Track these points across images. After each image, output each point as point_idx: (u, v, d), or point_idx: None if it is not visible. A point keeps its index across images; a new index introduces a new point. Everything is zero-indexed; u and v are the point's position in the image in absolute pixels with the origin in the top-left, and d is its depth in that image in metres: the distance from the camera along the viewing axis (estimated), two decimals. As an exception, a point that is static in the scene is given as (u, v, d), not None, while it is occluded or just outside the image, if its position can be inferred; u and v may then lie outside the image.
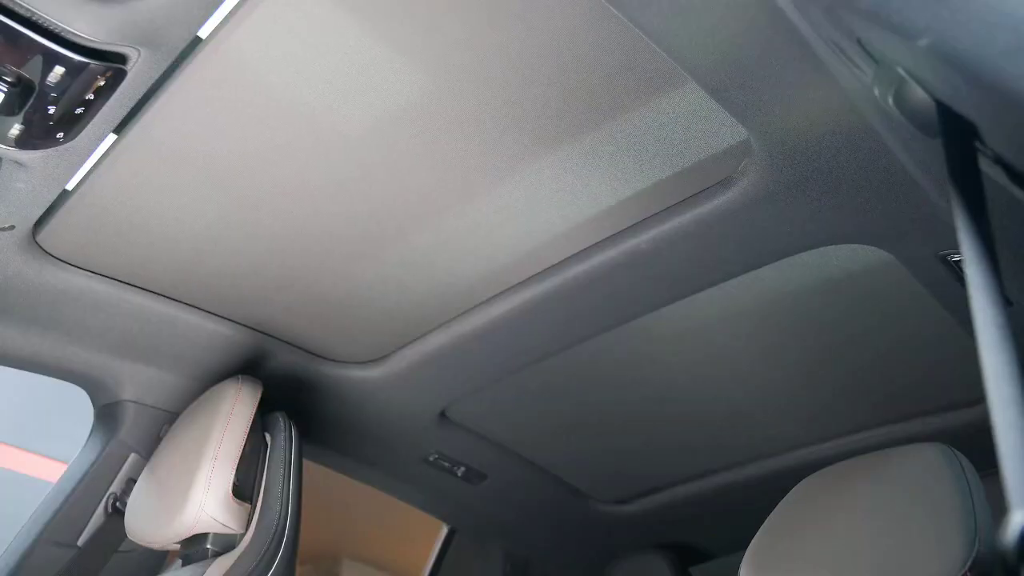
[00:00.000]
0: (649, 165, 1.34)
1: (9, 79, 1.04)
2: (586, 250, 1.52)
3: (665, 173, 1.36)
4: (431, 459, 2.14)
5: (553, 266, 1.57)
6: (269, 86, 1.22)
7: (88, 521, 1.69)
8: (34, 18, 0.97)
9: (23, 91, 1.05)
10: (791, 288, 1.63)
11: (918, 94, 0.58)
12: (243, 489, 1.56)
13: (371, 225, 1.51)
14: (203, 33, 1.11)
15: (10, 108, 1.07)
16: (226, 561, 1.48)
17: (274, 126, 1.29)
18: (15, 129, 1.11)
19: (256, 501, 1.56)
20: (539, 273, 1.60)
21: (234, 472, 1.52)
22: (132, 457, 1.76)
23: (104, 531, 1.69)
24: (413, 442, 2.09)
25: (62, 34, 0.99)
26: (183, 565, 1.56)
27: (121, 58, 1.04)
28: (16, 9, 0.96)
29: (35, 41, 0.99)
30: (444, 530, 2.55)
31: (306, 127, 1.30)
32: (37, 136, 1.13)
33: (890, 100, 0.62)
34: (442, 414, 2.04)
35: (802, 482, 1.46)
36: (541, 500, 2.33)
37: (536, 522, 2.40)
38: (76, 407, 1.94)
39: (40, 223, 1.39)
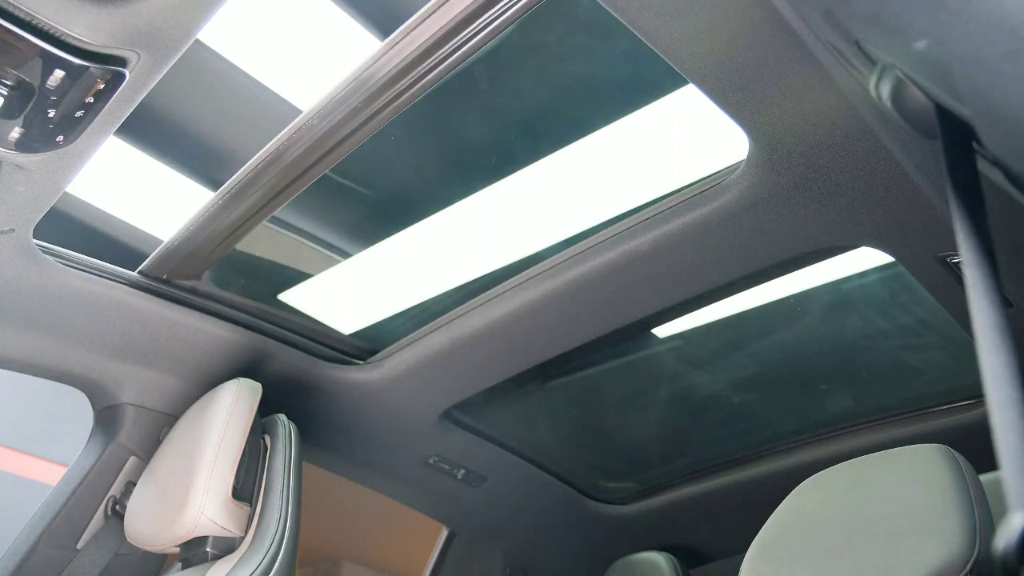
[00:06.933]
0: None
1: (9, 82, 1.04)
2: (585, 252, 1.52)
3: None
4: (431, 461, 2.14)
5: (552, 268, 1.57)
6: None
7: (87, 524, 1.69)
8: (34, 21, 0.97)
9: (23, 94, 1.05)
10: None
11: (917, 96, 0.58)
12: (243, 492, 1.56)
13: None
14: (203, 36, 1.11)
15: (10, 111, 1.07)
16: (226, 564, 1.48)
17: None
18: (15, 132, 1.11)
19: (256, 504, 1.56)
20: (538, 275, 1.59)
21: (234, 475, 1.52)
22: (132, 460, 1.75)
23: (103, 534, 1.69)
24: (412, 444, 2.09)
25: (62, 37, 0.99)
26: (183, 568, 1.56)
27: (121, 61, 1.04)
28: (15, 12, 0.96)
29: (35, 44, 0.99)
30: (444, 533, 2.55)
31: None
32: (37, 139, 1.13)
33: (889, 102, 0.62)
34: (442, 416, 2.03)
35: (802, 484, 1.45)
36: (541, 502, 2.33)
37: (536, 524, 2.39)
38: (76, 410, 1.93)
39: (40, 226, 1.39)
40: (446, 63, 1.19)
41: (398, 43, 1.18)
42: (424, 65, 1.20)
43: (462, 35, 1.15)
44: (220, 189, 1.48)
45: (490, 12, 1.12)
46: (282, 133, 1.35)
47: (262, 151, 1.39)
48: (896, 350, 1.77)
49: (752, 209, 1.32)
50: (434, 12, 1.14)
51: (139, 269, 1.65)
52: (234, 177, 1.45)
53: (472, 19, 1.13)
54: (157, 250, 1.63)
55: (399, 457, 2.12)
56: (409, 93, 1.25)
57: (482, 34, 1.15)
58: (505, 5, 1.11)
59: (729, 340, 1.92)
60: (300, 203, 1.67)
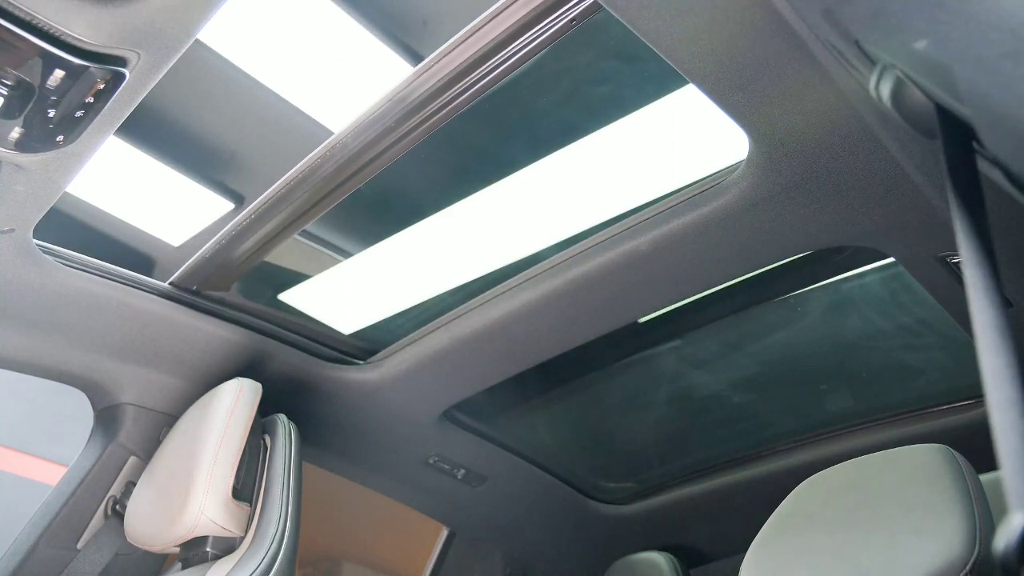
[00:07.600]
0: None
1: (9, 82, 1.04)
2: (585, 252, 1.52)
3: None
4: (431, 461, 2.14)
5: (552, 268, 1.57)
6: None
7: (87, 524, 1.69)
8: (34, 21, 0.97)
9: (23, 94, 1.05)
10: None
11: (916, 96, 0.58)
12: (243, 492, 1.56)
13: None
14: (203, 36, 1.11)
15: (10, 111, 1.07)
16: (226, 564, 1.48)
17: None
18: (15, 132, 1.11)
19: (256, 504, 1.56)
20: (538, 275, 1.60)
21: (234, 475, 1.52)
22: (132, 460, 1.75)
23: (103, 534, 1.69)
24: (413, 444, 2.09)
25: (62, 37, 0.99)
26: (183, 568, 1.56)
27: (121, 61, 1.04)
28: (15, 12, 0.96)
29: (35, 44, 0.99)
30: (444, 533, 2.55)
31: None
32: (37, 139, 1.13)
33: (889, 102, 0.62)
34: (442, 416, 2.03)
35: (802, 484, 1.45)
36: (541, 502, 2.33)
37: (536, 524, 2.39)
38: (76, 410, 1.93)
39: (39, 226, 1.40)
40: (476, 87, 1.25)
41: (431, 67, 1.24)
42: (455, 89, 1.26)
43: (492, 61, 1.20)
44: (253, 204, 1.53)
45: (520, 40, 1.17)
46: (316, 151, 1.39)
47: (296, 168, 1.43)
48: (896, 350, 1.77)
49: (752, 209, 1.33)
50: (467, 39, 1.19)
51: (170, 280, 1.69)
52: (267, 192, 1.49)
53: (502, 47, 1.18)
54: (188, 262, 1.66)
55: (399, 457, 2.13)
56: (439, 115, 1.31)
57: (512, 60, 1.20)
58: (536, 33, 1.15)
59: (729, 340, 1.92)
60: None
